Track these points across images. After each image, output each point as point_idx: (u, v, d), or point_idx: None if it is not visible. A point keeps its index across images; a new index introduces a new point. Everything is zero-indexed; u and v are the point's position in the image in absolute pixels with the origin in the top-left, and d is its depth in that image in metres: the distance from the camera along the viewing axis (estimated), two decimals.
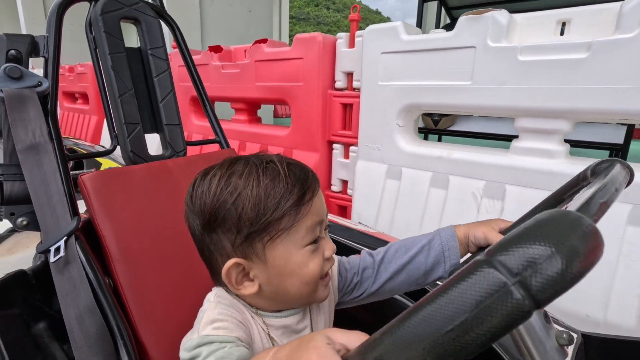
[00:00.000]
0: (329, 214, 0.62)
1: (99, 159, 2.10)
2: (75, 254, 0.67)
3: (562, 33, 1.28)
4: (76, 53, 8.14)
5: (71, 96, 5.03)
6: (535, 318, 0.33)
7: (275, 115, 7.88)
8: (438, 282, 0.67)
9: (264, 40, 2.12)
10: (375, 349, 0.25)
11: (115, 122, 0.97)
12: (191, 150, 1.04)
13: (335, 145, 1.98)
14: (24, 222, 0.80)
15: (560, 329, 0.33)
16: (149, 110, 1.07)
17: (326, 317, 0.60)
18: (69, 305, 0.63)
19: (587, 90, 1.15)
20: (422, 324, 0.20)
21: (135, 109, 0.99)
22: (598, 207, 0.26)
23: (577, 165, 1.23)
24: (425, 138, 3.48)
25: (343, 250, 0.97)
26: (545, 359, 0.32)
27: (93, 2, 0.97)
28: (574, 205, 0.27)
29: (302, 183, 0.47)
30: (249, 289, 0.48)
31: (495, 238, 0.52)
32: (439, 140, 3.68)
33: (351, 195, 1.90)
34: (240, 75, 2.27)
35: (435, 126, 3.13)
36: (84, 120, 4.58)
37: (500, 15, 1.29)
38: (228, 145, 1.18)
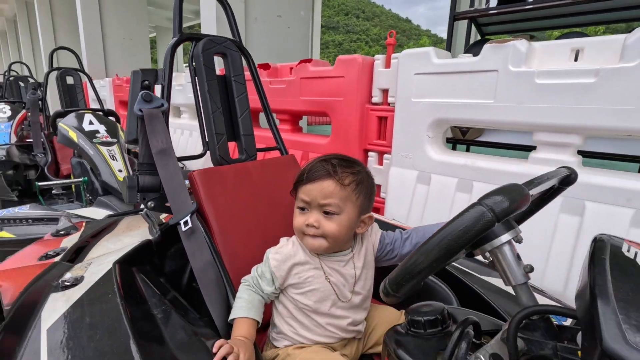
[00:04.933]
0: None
1: None
2: (198, 225, 0.96)
3: (576, 59, 1.47)
4: (124, 64, 8.82)
5: (126, 104, 5.58)
6: (511, 256, 0.56)
7: (308, 123, 8.23)
8: None
9: (309, 60, 2.42)
10: (413, 256, 0.49)
11: (207, 133, 1.27)
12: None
13: (370, 153, 2.23)
14: (152, 205, 1.10)
15: (526, 265, 0.56)
16: (229, 123, 1.36)
17: (367, 262, 0.88)
18: (196, 260, 0.91)
19: (595, 110, 1.34)
20: (446, 232, 0.45)
21: (222, 123, 1.28)
22: (533, 185, 0.51)
23: (586, 175, 1.41)
24: (454, 148, 3.65)
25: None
26: (515, 279, 0.55)
27: (194, 42, 1.28)
28: (529, 183, 0.51)
29: (301, 176, 0.84)
30: None
31: None
32: (467, 150, 3.83)
33: (384, 198, 2.14)
34: (287, 90, 2.58)
35: (463, 137, 3.30)
36: None
37: (520, 44, 1.50)
38: (287, 152, 1.46)
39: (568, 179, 0.63)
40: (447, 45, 3.27)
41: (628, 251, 0.44)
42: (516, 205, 0.43)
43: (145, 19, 9.39)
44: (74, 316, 0.68)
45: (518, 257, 0.57)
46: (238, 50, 1.37)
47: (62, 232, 1.19)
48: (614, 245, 0.45)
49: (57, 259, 0.98)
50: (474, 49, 3.36)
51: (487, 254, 0.58)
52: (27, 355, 0.58)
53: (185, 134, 3.95)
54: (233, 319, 0.80)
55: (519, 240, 0.57)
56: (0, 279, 0.81)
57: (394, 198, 2.02)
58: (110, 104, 5.89)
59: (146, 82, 1.15)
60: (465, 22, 3.55)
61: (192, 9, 16.42)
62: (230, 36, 1.42)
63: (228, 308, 0.87)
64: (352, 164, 0.85)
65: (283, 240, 0.90)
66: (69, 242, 1.10)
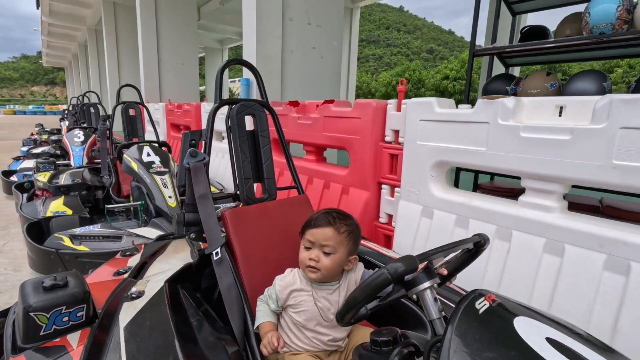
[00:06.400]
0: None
1: None
2: (225, 255, 1.28)
3: (560, 114, 1.64)
4: (176, 86, 9.67)
5: (177, 127, 6.22)
6: (430, 298, 0.81)
7: None
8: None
9: (332, 101, 2.73)
10: (350, 297, 0.76)
11: (238, 177, 1.60)
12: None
13: (383, 186, 2.47)
14: (193, 236, 1.44)
15: (440, 305, 0.80)
16: (255, 169, 1.68)
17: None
18: (223, 282, 1.22)
19: (571, 164, 1.51)
20: (366, 282, 0.72)
21: (249, 169, 1.61)
22: (430, 255, 0.75)
23: (568, 220, 1.57)
24: (476, 177, 3.76)
25: (372, 266, 1.46)
26: (432, 315, 0.80)
27: (231, 106, 1.63)
28: (430, 256, 0.76)
29: (308, 222, 1.10)
30: None
31: None
32: (491, 179, 3.91)
33: (394, 227, 2.36)
34: (312, 125, 2.90)
35: None
36: None
37: (508, 101, 1.70)
38: (303, 192, 1.76)
39: (479, 243, 0.86)
40: (467, 80, 3.44)
41: (480, 303, 0.67)
42: (408, 270, 0.69)
43: (195, 44, 10.32)
44: (139, 320, 1.01)
45: (435, 299, 0.82)
46: (264, 110, 1.71)
47: (127, 253, 1.56)
48: (475, 297, 0.69)
49: (125, 275, 1.34)
50: (495, 82, 3.50)
51: (414, 296, 0.83)
52: (113, 342, 0.91)
53: (225, 158, 4.41)
54: (258, 326, 1.10)
55: (435, 288, 0.82)
56: (93, 290, 1.17)
57: (401, 229, 2.24)
58: (162, 126, 6.59)
59: (193, 142, 1.51)
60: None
61: (236, 30, 17.55)
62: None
63: (244, 319, 1.17)
64: (347, 217, 1.15)
65: (288, 270, 1.20)
66: (133, 261, 1.47)
